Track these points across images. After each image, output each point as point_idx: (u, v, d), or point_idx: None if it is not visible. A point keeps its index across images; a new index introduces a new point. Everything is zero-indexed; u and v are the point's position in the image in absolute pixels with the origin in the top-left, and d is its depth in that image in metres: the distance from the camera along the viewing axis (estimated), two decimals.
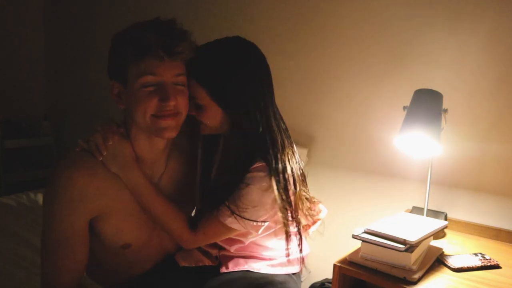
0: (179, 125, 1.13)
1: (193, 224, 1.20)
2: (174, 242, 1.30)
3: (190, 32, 1.11)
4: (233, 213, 1.13)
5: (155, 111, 1.07)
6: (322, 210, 1.38)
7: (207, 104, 1.13)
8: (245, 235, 1.22)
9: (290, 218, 1.16)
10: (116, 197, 1.13)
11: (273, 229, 1.24)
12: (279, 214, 1.15)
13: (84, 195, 1.07)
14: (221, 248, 1.29)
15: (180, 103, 1.09)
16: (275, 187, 1.11)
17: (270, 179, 1.11)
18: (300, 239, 1.23)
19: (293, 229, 1.30)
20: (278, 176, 1.12)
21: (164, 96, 1.06)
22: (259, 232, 1.19)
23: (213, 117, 1.15)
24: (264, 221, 1.17)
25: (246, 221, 1.14)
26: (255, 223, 1.15)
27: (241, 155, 1.15)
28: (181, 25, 1.11)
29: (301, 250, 1.24)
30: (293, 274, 1.32)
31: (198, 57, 1.10)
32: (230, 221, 1.14)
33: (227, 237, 1.21)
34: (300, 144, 1.86)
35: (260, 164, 1.12)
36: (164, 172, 1.23)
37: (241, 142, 1.14)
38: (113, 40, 1.09)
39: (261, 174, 1.12)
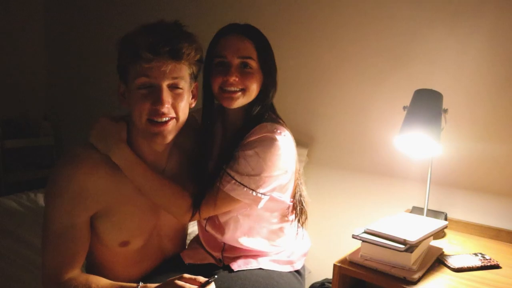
0: (175, 130, 1.13)
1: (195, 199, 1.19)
2: (173, 243, 1.30)
3: (189, 33, 1.12)
4: (232, 178, 1.15)
5: (149, 115, 1.08)
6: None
7: (255, 68, 1.23)
8: (244, 208, 1.23)
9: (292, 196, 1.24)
10: (117, 195, 1.13)
11: (275, 213, 1.26)
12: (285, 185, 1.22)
13: (84, 190, 1.07)
14: (224, 250, 1.29)
15: (175, 107, 1.10)
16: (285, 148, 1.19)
17: (278, 143, 1.16)
18: (301, 212, 1.30)
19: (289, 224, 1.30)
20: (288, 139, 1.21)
21: (156, 100, 1.07)
22: (259, 206, 1.20)
23: (257, 83, 1.23)
24: (264, 194, 1.18)
25: (246, 190, 1.15)
26: (254, 193, 1.16)
27: (250, 123, 1.23)
28: (185, 27, 1.11)
29: (301, 221, 1.31)
30: (296, 271, 1.33)
31: (252, 28, 1.25)
32: (229, 188, 1.15)
33: (227, 209, 1.21)
34: (300, 144, 1.85)
35: (266, 132, 1.18)
36: (164, 170, 1.22)
37: (260, 111, 1.25)
38: (120, 40, 1.11)
39: (267, 138, 1.17)
